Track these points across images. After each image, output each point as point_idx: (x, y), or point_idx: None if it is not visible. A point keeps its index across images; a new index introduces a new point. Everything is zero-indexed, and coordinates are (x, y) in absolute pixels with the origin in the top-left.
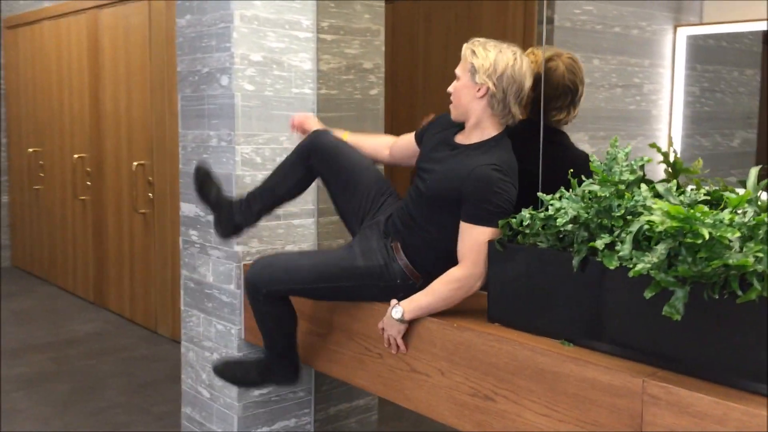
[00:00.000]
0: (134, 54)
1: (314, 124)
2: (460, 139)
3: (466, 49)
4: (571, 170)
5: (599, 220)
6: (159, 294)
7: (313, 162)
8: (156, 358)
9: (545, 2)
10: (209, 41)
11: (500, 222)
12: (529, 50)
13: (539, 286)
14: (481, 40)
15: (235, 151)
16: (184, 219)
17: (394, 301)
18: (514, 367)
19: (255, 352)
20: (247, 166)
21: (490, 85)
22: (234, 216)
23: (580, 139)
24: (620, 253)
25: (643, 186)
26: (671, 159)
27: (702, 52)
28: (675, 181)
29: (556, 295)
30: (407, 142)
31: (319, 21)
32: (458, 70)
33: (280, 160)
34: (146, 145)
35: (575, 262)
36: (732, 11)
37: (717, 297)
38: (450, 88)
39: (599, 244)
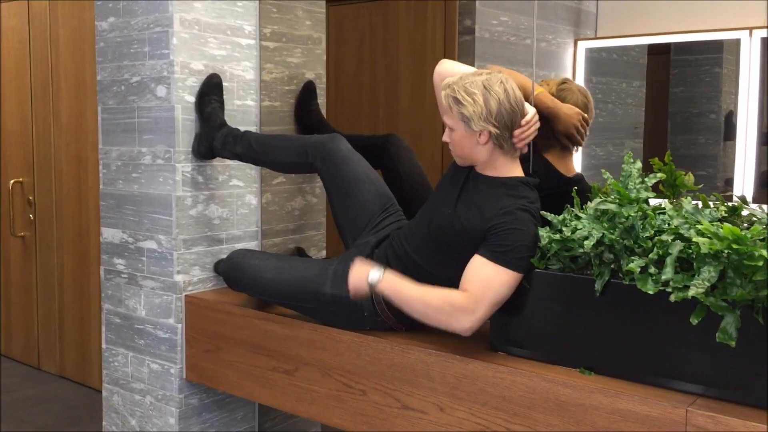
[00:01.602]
0: (9, 60)
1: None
2: (479, 169)
3: (446, 97)
4: (575, 188)
5: (624, 241)
6: (43, 326)
7: (317, 164)
8: (44, 399)
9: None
10: (140, 47)
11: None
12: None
13: (551, 311)
14: (455, 80)
15: (175, 170)
16: (106, 246)
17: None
18: (531, 400)
19: (198, 392)
20: (188, 187)
21: (491, 129)
22: (215, 139)
23: None
24: (664, 277)
25: (667, 204)
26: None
27: (596, 64)
28: (688, 198)
29: (572, 320)
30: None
31: (261, 27)
32: (447, 120)
33: (223, 179)
34: (25, 161)
35: (598, 285)
36: (622, 25)
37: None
38: (446, 138)
39: (634, 267)
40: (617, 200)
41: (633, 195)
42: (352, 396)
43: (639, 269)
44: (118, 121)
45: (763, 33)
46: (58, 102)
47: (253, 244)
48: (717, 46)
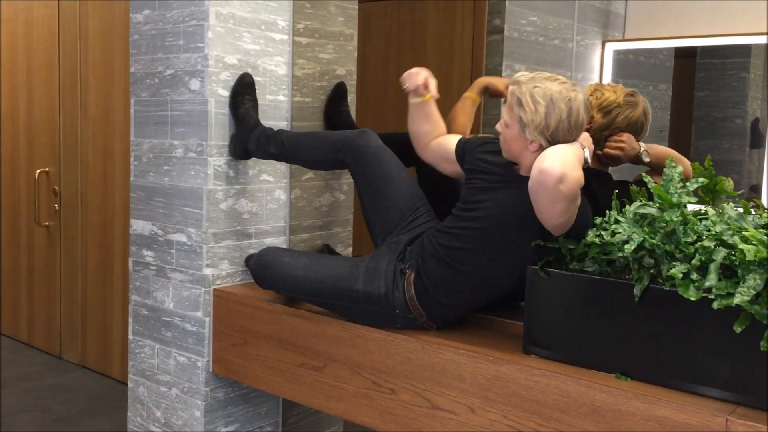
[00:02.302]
0: (38, 50)
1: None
2: (524, 172)
3: (512, 95)
4: (616, 191)
5: (665, 246)
6: (65, 315)
7: (347, 160)
8: (66, 388)
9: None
10: (175, 40)
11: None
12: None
13: (587, 314)
14: (526, 79)
15: (207, 164)
16: (135, 237)
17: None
18: (565, 405)
19: (224, 386)
20: (220, 180)
21: (543, 142)
22: (249, 140)
23: None
24: (707, 284)
25: (710, 210)
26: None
27: (624, 66)
28: (730, 204)
29: (608, 324)
30: (447, 150)
31: (295, 22)
32: (506, 115)
33: (253, 174)
34: (52, 151)
35: (637, 291)
36: (651, 27)
37: None
38: (498, 127)
39: (677, 272)
40: (658, 204)
41: (675, 199)
42: (381, 395)
43: (681, 275)
44: (150, 114)
45: None
46: (86, 93)
47: (281, 240)
48: (744, 51)
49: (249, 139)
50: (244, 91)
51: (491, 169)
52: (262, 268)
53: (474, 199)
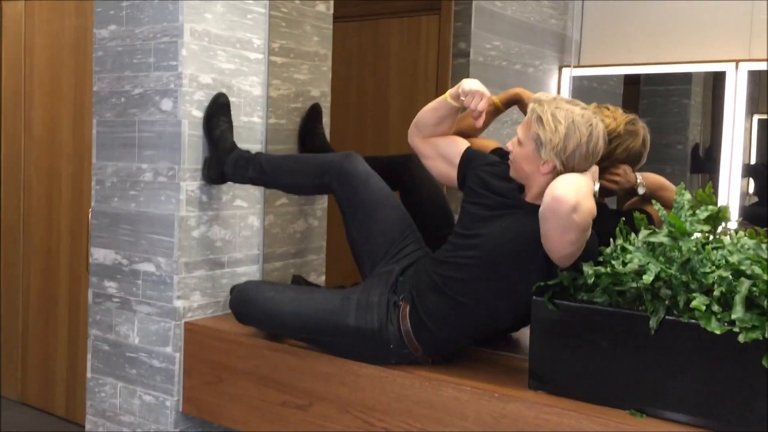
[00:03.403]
0: None
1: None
2: (530, 199)
3: (532, 111)
4: (623, 218)
5: (681, 276)
6: (4, 349)
7: (333, 185)
8: (5, 427)
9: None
10: (145, 57)
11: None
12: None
13: (597, 348)
14: (549, 99)
15: (180, 189)
16: (96, 268)
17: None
18: None
19: (194, 426)
20: (192, 206)
21: (558, 164)
22: (225, 164)
23: None
24: (733, 316)
25: (726, 239)
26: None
27: (579, 92)
28: (741, 233)
29: (621, 358)
30: (453, 152)
31: (270, 41)
32: (521, 133)
33: (227, 199)
34: None
35: (653, 323)
36: (605, 54)
37: None
38: (509, 146)
39: (699, 304)
40: (668, 232)
41: (687, 228)
42: None
43: (704, 307)
44: (116, 135)
45: (749, 66)
46: (30, 112)
47: (254, 269)
48: (686, 78)
49: (225, 162)
50: (219, 112)
51: (494, 194)
52: (243, 304)
53: (474, 226)
